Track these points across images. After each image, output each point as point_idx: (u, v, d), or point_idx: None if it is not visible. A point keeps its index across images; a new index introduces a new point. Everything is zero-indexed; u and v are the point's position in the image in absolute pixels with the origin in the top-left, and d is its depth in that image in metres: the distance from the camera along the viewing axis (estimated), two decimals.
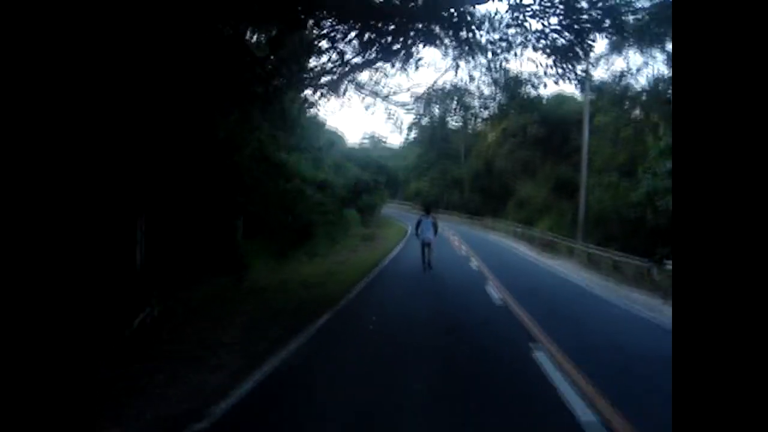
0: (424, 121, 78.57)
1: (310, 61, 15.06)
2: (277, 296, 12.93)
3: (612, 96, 43.43)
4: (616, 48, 39.32)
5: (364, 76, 19.81)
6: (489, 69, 17.29)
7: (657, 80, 38.38)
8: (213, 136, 15.37)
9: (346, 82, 17.42)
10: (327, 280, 15.89)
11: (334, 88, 15.34)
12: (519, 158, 56.22)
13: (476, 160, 63.87)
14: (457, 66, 16.45)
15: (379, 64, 15.52)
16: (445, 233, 40.69)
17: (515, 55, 13.57)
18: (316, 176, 29.23)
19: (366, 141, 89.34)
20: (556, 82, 13.01)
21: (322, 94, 15.97)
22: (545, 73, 12.42)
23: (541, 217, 43.86)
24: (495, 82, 18.38)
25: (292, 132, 32.42)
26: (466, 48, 14.14)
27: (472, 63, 16.05)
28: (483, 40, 12.98)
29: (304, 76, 15.47)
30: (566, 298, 15.47)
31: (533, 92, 22.47)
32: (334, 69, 14.73)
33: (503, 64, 15.65)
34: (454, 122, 75.62)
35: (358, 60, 14.25)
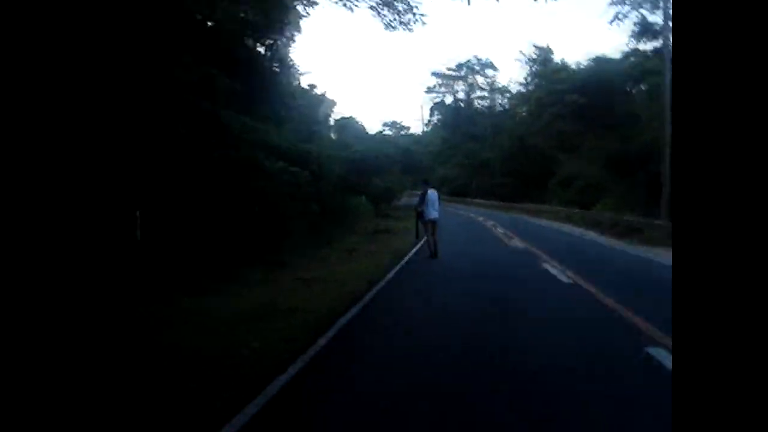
0: (448, 99, 68.46)
1: None
2: None
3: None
4: None
5: None
6: None
7: None
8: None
9: None
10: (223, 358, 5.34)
11: None
12: (558, 132, 45.12)
13: (507, 139, 52.69)
14: None
15: None
16: (481, 221, 29.88)
17: None
18: (294, 148, 18.60)
19: (386, 129, 78.49)
20: None
21: None
22: None
23: (599, 198, 32.90)
24: None
25: (269, 97, 22.24)
26: None
27: None
28: None
29: None
30: None
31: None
32: None
33: None
34: (480, 101, 65.21)
35: None
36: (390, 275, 11.25)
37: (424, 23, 10.95)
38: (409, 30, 11.07)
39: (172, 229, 11.33)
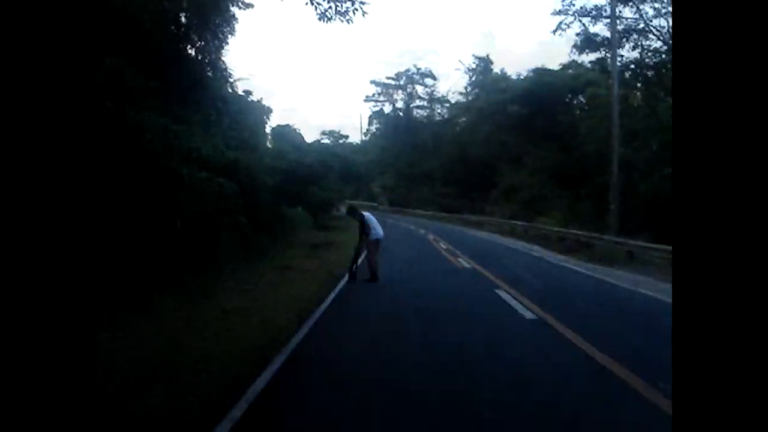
0: (387, 108, 67.11)
1: None
2: None
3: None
4: None
5: None
6: None
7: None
8: None
9: None
10: None
11: None
12: (499, 142, 44.31)
13: (448, 148, 51.61)
14: None
15: None
16: (422, 235, 28.49)
17: None
18: (222, 156, 16.80)
19: (324, 137, 76.48)
20: None
21: None
22: None
23: (543, 209, 31.99)
24: None
25: (197, 100, 20.58)
26: None
27: None
28: None
29: None
30: None
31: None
32: None
33: None
34: (419, 111, 64.19)
35: None
36: (323, 307, 9.57)
37: (365, 13, 9.35)
38: (349, 21, 9.45)
39: (70, 249, 9.41)
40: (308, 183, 27.15)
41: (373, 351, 6.90)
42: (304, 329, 7.80)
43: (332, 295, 10.62)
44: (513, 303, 9.66)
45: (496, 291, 10.97)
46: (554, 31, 32.93)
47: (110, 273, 9.54)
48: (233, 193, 14.86)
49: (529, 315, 8.67)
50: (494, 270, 14.03)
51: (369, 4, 9.70)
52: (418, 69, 62.47)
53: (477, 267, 15.10)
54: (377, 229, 12.47)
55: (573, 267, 16.24)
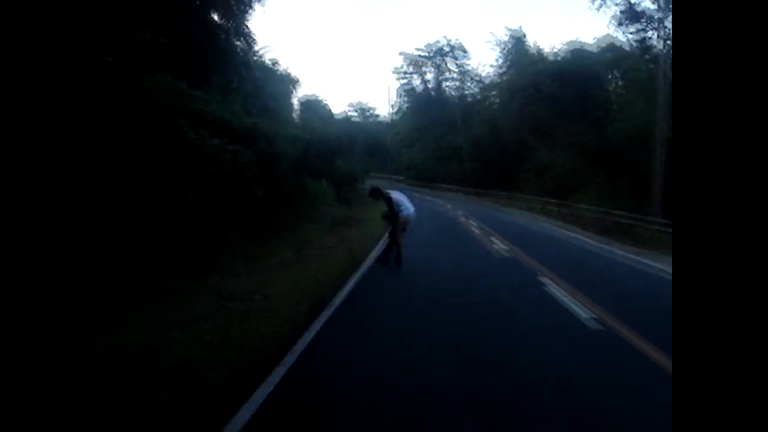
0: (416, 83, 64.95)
1: None
2: None
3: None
4: None
5: None
6: None
7: None
8: None
9: None
10: None
11: None
12: (531, 118, 42.34)
13: (478, 124, 49.63)
14: None
15: None
16: (453, 212, 26.88)
17: None
18: (239, 123, 15.36)
19: (352, 109, 74.74)
20: None
21: None
22: None
23: (574, 188, 30.23)
24: None
25: (219, 64, 19.31)
26: None
27: None
28: None
29: None
30: None
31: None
32: None
33: None
34: (449, 83, 62.09)
35: None
36: (340, 299, 8.10)
37: None
38: None
39: (69, 225, 8.08)
40: (333, 155, 25.69)
41: (395, 364, 5.45)
42: (312, 331, 6.33)
43: (348, 287, 9.05)
44: (572, 307, 8.00)
45: (546, 288, 9.36)
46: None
47: (111, 253, 8.26)
48: (248, 162, 13.39)
49: (592, 325, 7.06)
50: (536, 257, 12.47)
51: None
52: (449, 41, 60.05)
53: (516, 253, 13.55)
54: (406, 207, 10.96)
55: (617, 253, 14.61)
